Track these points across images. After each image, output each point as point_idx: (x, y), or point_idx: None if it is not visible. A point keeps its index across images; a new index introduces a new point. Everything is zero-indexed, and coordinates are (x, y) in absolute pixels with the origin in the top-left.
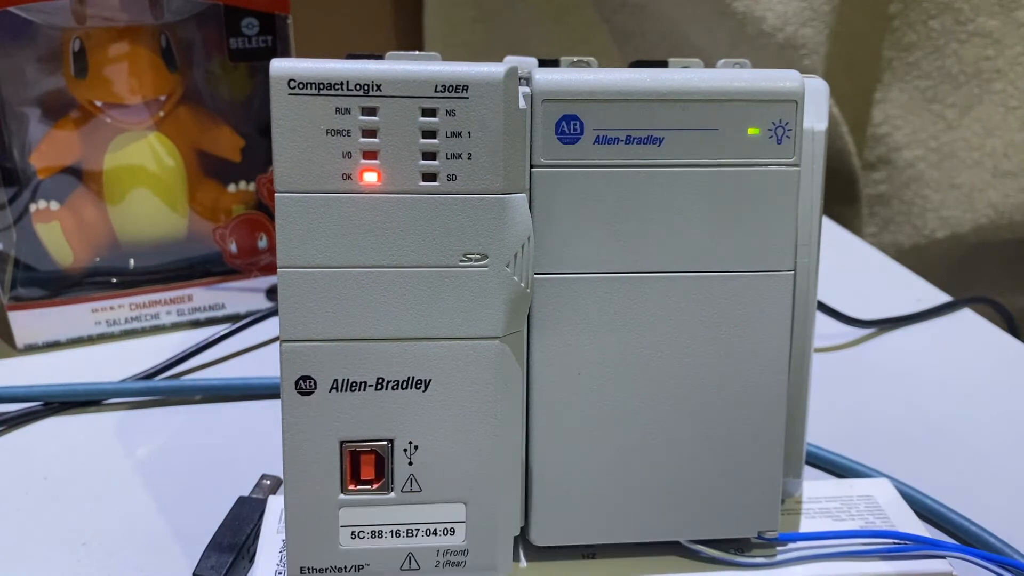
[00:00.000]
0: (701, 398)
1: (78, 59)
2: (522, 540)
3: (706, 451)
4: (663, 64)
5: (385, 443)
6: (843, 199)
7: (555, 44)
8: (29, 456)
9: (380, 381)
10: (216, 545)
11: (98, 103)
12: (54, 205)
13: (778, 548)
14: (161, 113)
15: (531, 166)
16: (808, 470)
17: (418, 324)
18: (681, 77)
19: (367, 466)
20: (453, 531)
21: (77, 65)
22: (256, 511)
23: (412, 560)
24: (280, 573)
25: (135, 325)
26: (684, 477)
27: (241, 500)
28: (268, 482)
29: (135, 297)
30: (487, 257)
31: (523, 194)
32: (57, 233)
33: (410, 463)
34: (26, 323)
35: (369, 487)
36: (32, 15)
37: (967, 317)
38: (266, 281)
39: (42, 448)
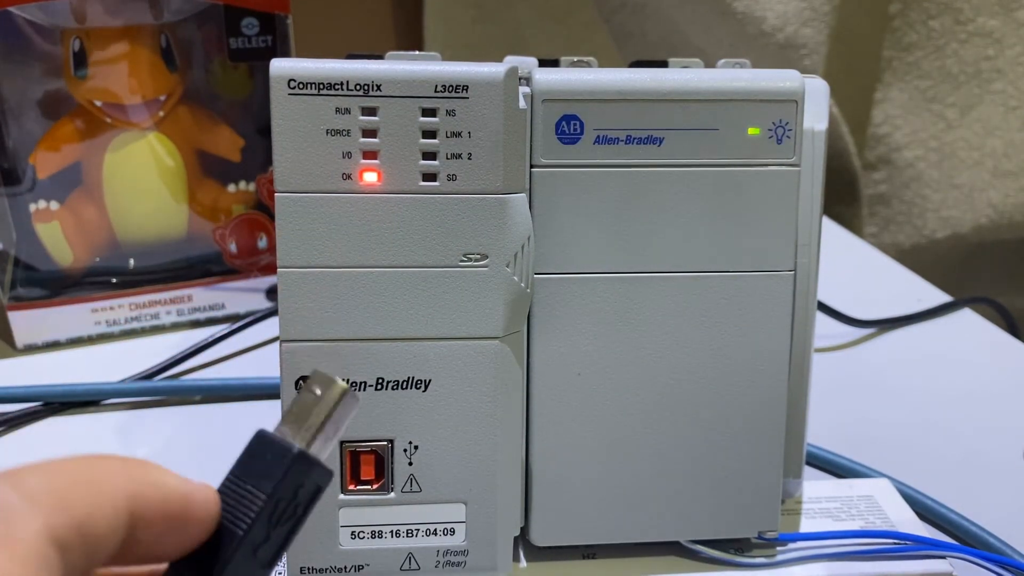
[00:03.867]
0: (701, 398)
1: (78, 59)
2: (522, 540)
3: (706, 451)
4: (663, 64)
5: (385, 443)
6: (843, 199)
7: (555, 44)
8: (29, 456)
9: (380, 381)
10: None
11: (98, 103)
12: (54, 205)
13: (778, 548)
14: (161, 113)
15: (531, 166)
16: (808, 470)
17: (418, 324)
18: (681, 77)
19: (367, 466)
20: (453, 531)
21: (77, 65)
22: (271, 472)
23: (412, 560)
24: (280, 573)
25: (135, 325)
26: (684, 477)
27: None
28: (317, 393)
29: (135, 297)
30: (487, 257)
31: (523, 194)
32: (57, 233)
33: (410, 463)
34: (26, 323)
35: (369, 487)
36: (32, 15)
37: (967, 317)
38: (266, 281)
39: (42, 448)
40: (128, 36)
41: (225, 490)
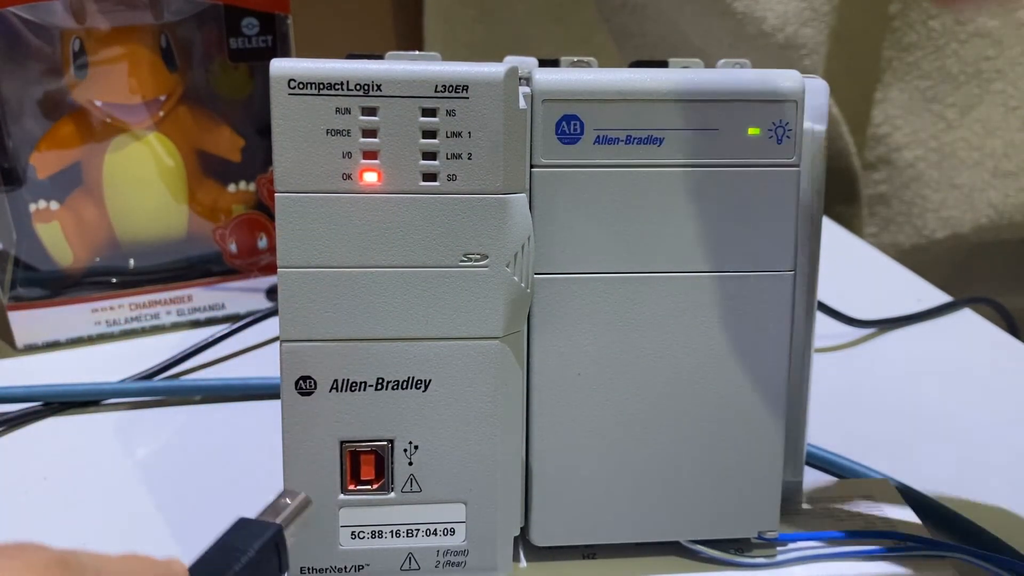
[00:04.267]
0: (701, 398)
1: (78, 59)
2: (522, 540)
3: (706, 451)
4: (663, 64)
5: (385, 443)
6: (843, 199)
7: (555, 44)
8: (29, 456)
9: (380, 381)
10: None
11: (98, 103)
12: (54, 205)
13: (778, 548)
14: (161, 113)
15: (531, 166)
16: (808, 470)
17: (418, 324)
18: (681, 77)
19: (367, 466)
20: (453, 531)
21: (77, 65)
22: (255, 538)
23: (412, 560)
24: None
25: (135, 325)
26: (684, 477)
27: (242, 522)
28: (288, 502)
29: (135, 297)
30: (487, 257)
31: (523, 194)
32: (57, 233)
33: (410, 463)
34: (26, 323)
35: (369, 487)
36: (32, 15)
37: (967, 317)
38: (266, 281)
39: (42, 448)
40: (128, 36)
41: (205, 559)
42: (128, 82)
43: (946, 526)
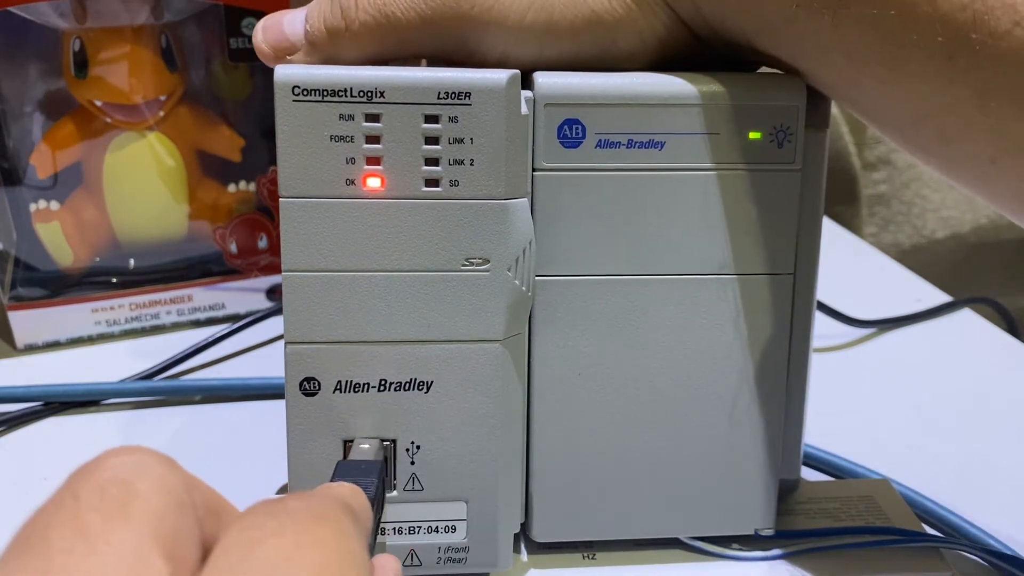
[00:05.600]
0: (700, 398)
1: (78, 59)
2: (523, 535)
3: (704, 450)
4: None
5: (388, 443)
6: (843, 199)
7: None
8: (29, 456)
9: (383, 383)
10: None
11: (98, 103)
12: (54, 205)
13: (775, 544)
14: (161, 113)
15: (533, 169)
16: (808, 470)
17: (420, 327)
18: (683, 81)
19: None
20: (454, 528)
21: (77, 65)
22: (371, 471)
23: (414, 557)
24: None
25: (135, 325)
26: (682, 475)
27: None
28: (366, 447)
29: (135, 297)
30: (489, 261)
31: (525, 199)
32: (57, 233)
33: (412, 462)
34: (26, 323)
35: None
36: (32, 15)
37: (967, 317)
38: (266, 281)
39: (42, 448)
40: (128, 36)
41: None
42: (128, 82)
43: (946, 527)
